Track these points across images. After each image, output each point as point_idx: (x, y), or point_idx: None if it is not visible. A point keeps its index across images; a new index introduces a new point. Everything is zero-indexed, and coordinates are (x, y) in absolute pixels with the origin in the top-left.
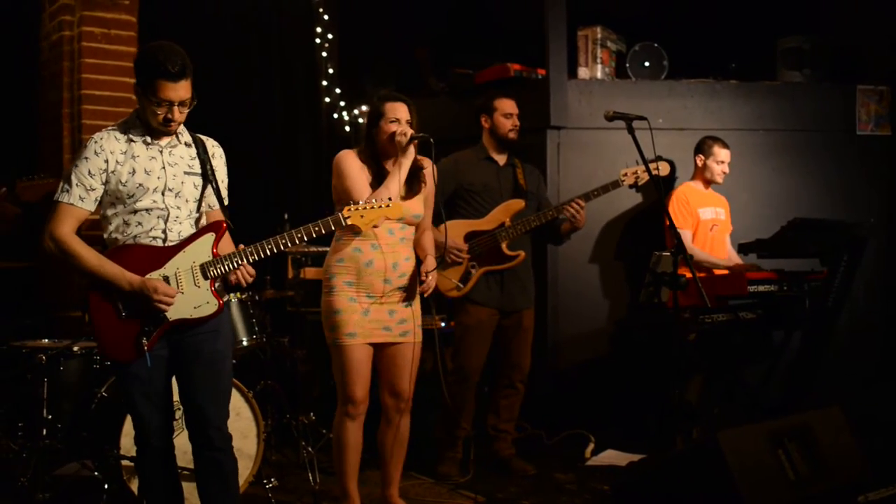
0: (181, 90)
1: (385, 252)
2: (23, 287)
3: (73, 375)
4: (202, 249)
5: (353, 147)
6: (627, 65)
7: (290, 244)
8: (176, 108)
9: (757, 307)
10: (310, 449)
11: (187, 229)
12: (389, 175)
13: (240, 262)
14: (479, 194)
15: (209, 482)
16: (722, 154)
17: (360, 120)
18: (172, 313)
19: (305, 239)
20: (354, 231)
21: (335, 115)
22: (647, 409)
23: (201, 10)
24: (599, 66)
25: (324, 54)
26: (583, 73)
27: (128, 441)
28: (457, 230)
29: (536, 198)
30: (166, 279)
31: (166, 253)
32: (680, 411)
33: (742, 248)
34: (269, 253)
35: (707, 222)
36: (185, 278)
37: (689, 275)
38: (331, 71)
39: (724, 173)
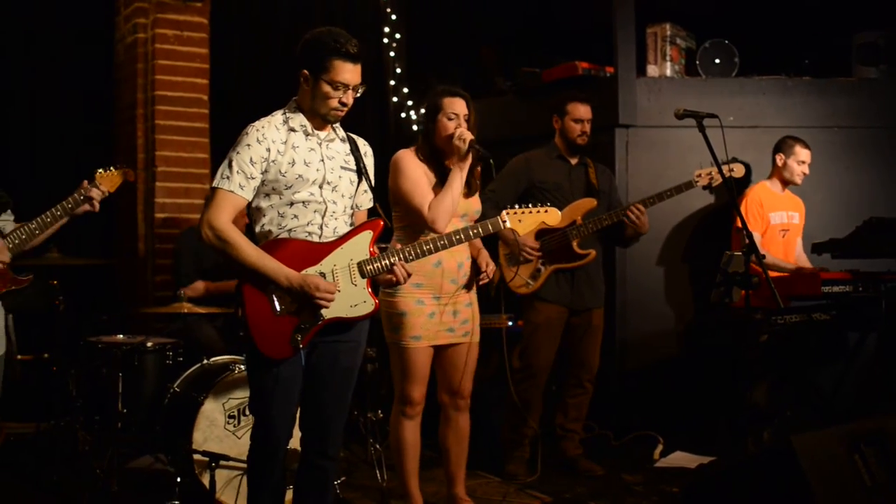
0: (357, 73)
1: (452, 252)
2: (100, 284)
3: (147, 371)
4: (360, 247)
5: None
6: (697, 62)
7: (447, 244)
8: (350, 91)
9: (831, 308)
10: (377, 446)
11: (342, 226)
12: (450, 180)
13: (397, 261)
14: (550, 192)
15: (310, 490)
16: (803, 154)
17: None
18: (329, 311)
19: (464, 240)
20: (420, 233)
21: (402, 115)
22: (716, 411)
23: (271, 12)
24: (669, 64)
25: (391, 54)
26: (652, 70)
27: (200, 436)
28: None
29: (608, 198)
30: (322, 275)
31: (323, 249)
32: (750, 413)
33: (816, 248)
34: (425, 253)
35: (777, 227)
36: (341, 276)
37: (761, 275)
38: (398, 70)
39: (804, 174)
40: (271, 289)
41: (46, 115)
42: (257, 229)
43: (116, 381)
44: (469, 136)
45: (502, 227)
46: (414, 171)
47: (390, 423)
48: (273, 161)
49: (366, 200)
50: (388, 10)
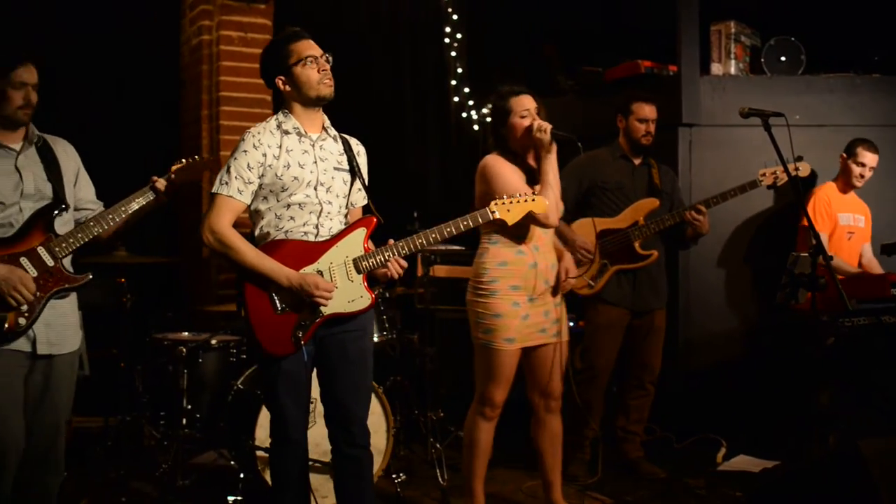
0: (314, 45)
1: (544, 253)
2: (166, 282)
3: (211, 368)
4: (354, 244)
5: (483, 146)
6: (763, 60)
7: (439, 238)
8: (322, 60)
9: None
10: (438, 445)
11: (337, 225)
12: (543, 176)
13: (391, 256)
14: (612, 192)
15: (347, 479)
16: (865, 157)
17: (489, 119)
18: (328, 308)
19: (455, 233)
20: (515, 234)
21: (463, 115)
22: (781, 414)
23: (333, 13)
24: (733, 62)
25: (452, 54)
26: (716, 69)
27: (262, 433)
28: (589, 228)
29: (671, 198)
30: (320, 273)
31: (319, 248)
32: (816, 417)
33: (885, 250)
34: (418, 247)
35: (844, 228)
36: (338, 273)
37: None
38: (459, 70)
39: (863, 177)
40: (272, 288)
41: (113, 118)
42: (256, 232)
43: (181, 378)
44: (548, 125)
45: (491, 218)
46: (509, 172)
47: (466, 421)
48: (269, 165)
49: (360, 198)
50: (450, 9)
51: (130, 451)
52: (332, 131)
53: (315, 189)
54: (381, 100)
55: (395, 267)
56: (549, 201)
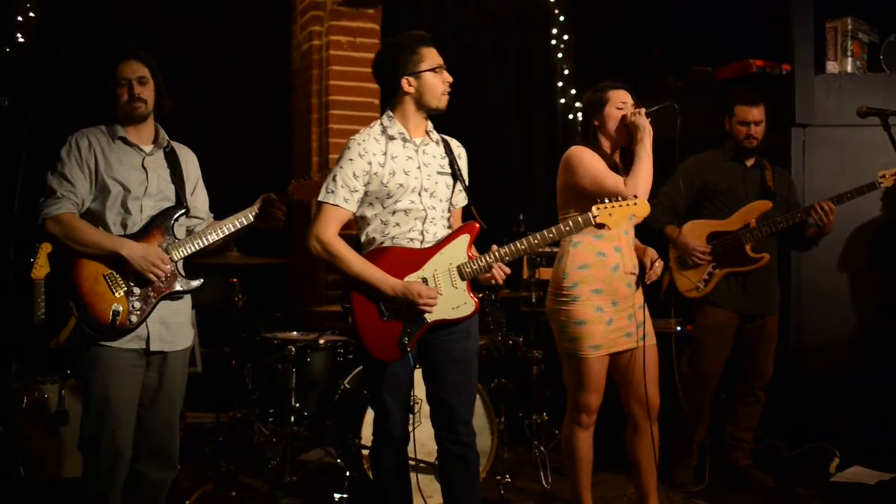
0: (438, 55)
1: (626, 254)
2: (276, 282)
3: (318, 367)
4: (458, 251)
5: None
6: (881, 57)
7: (541, 242)
8: (446, 73)
9: None
10: (542, 448)
11: (441, 230)
12: (637, 159)
13: (495, 262)
14: (723, 195)
15: (454, 478)
16: None
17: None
18: (432, 314)
19: (557, 238)
20: (595, 235)
21: (570, 117)
22: None
23: (441, 17)
24: (850, 60)
25: (559, 55)
26: (831, 67)
27: (368, 431)
28: (699, 230)
29: (785, 201)
30: (424, 281)
31: (423, 255)
32: None
33: None
34: (521, 252)
35: None
36: (442, 280)
37: None
38: (566, 72)
39: None
40: (378, 297)
41: (224, 122)
42: (362, 238)
43: (290, 376)
44: (642, 108)
45: (593, 223)
46: (595, 159)
47: (563, 432)
48: (375, 173)
49: (461, 199)
50: (556, 11)
51: (241, 447)
52: (435, 135)
53: (419, 195)
54: (487, 102)
55: (499, 273)
56: (638, 179)
